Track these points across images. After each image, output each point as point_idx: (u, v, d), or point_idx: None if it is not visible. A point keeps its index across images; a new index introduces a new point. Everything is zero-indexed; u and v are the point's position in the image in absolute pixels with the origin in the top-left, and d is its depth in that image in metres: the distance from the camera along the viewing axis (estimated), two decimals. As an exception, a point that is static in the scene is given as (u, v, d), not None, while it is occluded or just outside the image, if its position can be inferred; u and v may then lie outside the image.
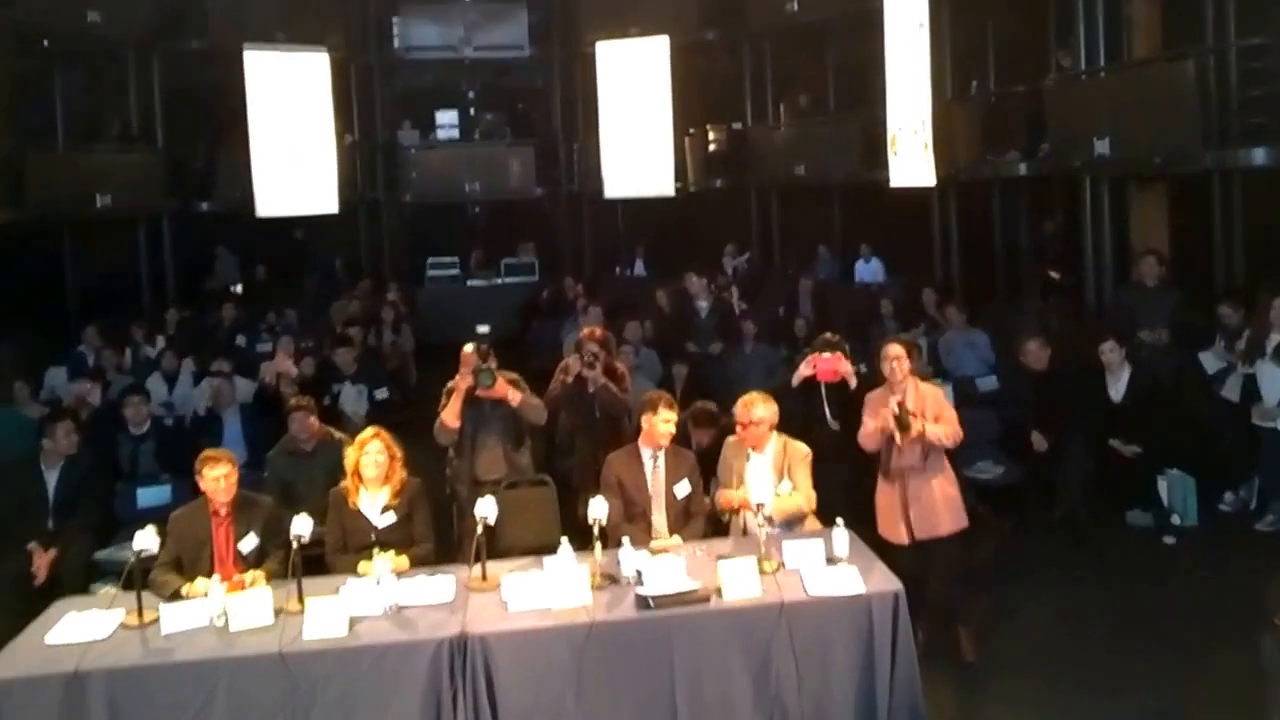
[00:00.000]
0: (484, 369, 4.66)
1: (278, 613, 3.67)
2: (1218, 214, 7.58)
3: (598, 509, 3.96)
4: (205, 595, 3.74)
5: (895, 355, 4.42)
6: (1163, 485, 5.84)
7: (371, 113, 13.78)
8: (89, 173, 10.69)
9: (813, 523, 4.45)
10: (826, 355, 4.95)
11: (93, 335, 8.50)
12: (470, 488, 4.74)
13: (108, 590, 4.53)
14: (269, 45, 11.96)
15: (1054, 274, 9.46)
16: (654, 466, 4.55)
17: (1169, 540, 5.67)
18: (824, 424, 4.97)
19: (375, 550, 4.04)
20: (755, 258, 12.87)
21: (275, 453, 5.30)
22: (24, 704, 3.35)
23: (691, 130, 12.90)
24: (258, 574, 4.00)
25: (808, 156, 11.79)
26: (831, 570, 3.90)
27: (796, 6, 11.64)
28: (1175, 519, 5.80)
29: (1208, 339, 6.36)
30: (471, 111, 14.40)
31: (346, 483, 4.32)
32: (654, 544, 4.29)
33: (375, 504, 4.30)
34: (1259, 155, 6.35)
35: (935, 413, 4.38)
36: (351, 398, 6.88)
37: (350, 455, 4.33)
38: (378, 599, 3.69)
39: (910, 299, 8.84)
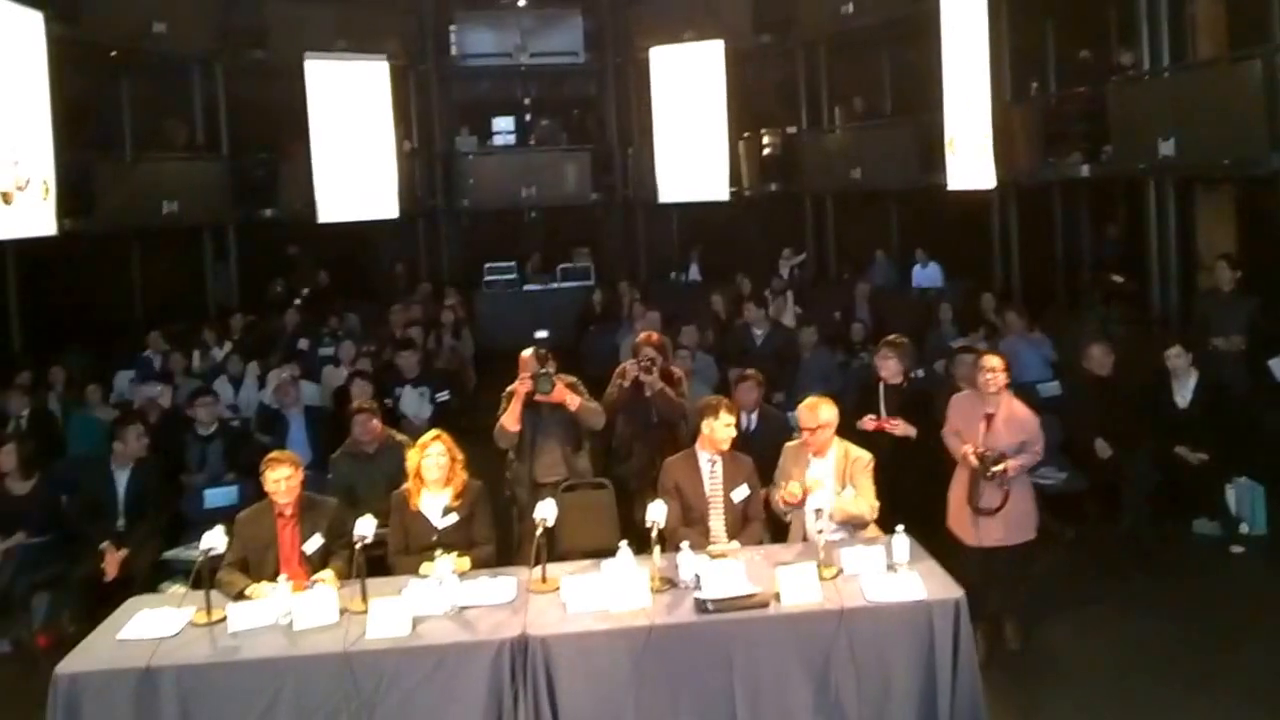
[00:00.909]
0: (543, 374, 4.69)
1: (342, 612, 3.73)
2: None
3: (656, 512, 3.96)
4: (266, 596, 3.83)
5: (993, 367, 4.43)
6: (1231, 493, 5.68)
7: (430, 120, 14.00)
8: (156, 182, 11.03)
9: (873, 531, 4.40)
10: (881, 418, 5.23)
11: (157, 340, 8.75)
12: (530, 490, 4.78)
13: (177, 589, 4.66)
14: (329, 54, 12.25)
15: (1117, 279, 9.24)
16: (711, 471, 4.53)
17: (1237, 549, 5.53)
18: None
19: (437, 551, 4.09)
20: (810, 263, 12.77)
21: (339, 455, 5.39)
22: (99, 697, 3.44)
23: (746, 134, 12.87)
24: (329, 574, 4.06)
25: (864, 160, 11.68)
26: (892, 576, 3.86)
27: (851, 9, 11.55)
28: (1244, 528, 5.64)
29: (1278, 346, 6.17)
30: (527, 118, 14.56)
31: (408, 484, 4.38)
32: (712, 548, 4.28)
33: (437, 506, 4.34)
34: (1329, 156, 6.15)
35: (1024, 438, 4.37)
36: (412, 401, 6.98)
37: (412, 457, 4.39)
38: (440, 600, 3.73)
39: (969, 304, 8.69)
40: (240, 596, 3.94)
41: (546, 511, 3.97)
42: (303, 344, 9.38)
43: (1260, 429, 5.91)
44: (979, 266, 10.33)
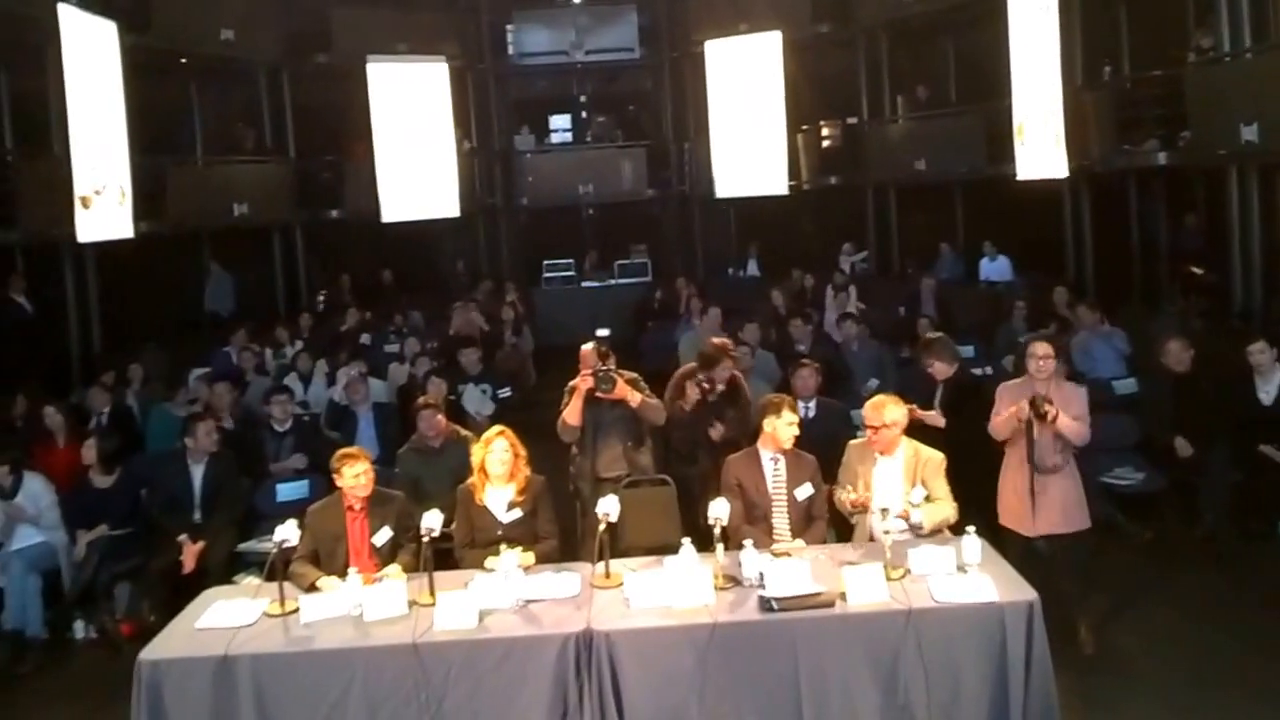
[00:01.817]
0: (603, 371, 4.69)
1: (410, 605, 3.79)
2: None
3: (719, 509, 3.93)
4: (336, 589, 3.91)
5: (1043, 354, 4.42)
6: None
7: (488, 119, 14.14)
8: (226, 185, 11.37)
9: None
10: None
11: (241, 337, 9.00)
12: (592, 485, 4.79)
13: (251, 580, 4.78)
14: (390, 57, 12.44)
15: (1196, 271, 8.91)
16: (774, 469, 4.49)
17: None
18: None
19: (501, 546, 4.13)
20: (873, 256, 12.57)
21: (405, 450, 5.48)
22: (180, 683, 3.55)
23: (805, 127, 12.71)
24: (395, 568, 4.13)
25: (928, 151, 11.45)
26: (961, 577, 3.77)
27: (913, -6, 11.34)
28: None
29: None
30: (583, 115, 14.60)
31: (473, 479, 4.43)
32: (776, 547, 4.24)
33: (501, 501, 4.39)
34: None
35: (1074, 412, 4.36)
36: (475, 398, 7.06)
37: (477, 453, 4.43)
38: (505, 593, 3.77)
39: (1040, 298, 8.46)
40: (312, 588, 4.03)
41: (609, 507, 3.97)
42: (364, 339, 9.56)
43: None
44: (1050, 259, 10.05)
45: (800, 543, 4.32)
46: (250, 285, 12.06)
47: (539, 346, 10.40)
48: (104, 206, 8.84)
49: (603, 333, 4.91)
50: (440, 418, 5.46)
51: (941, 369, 5.34)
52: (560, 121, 14.37)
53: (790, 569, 3.75)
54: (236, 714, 3.52)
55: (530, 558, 4.17)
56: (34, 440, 6.32)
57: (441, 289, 12.63)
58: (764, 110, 12.49)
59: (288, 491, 5.75)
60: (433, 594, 3.79)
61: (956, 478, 4.43)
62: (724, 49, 12.91)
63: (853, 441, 4.60)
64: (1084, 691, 4.10)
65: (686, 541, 3.93)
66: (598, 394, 4.72)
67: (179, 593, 4.64)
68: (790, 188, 12.47)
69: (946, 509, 4.27)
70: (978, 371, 6.66)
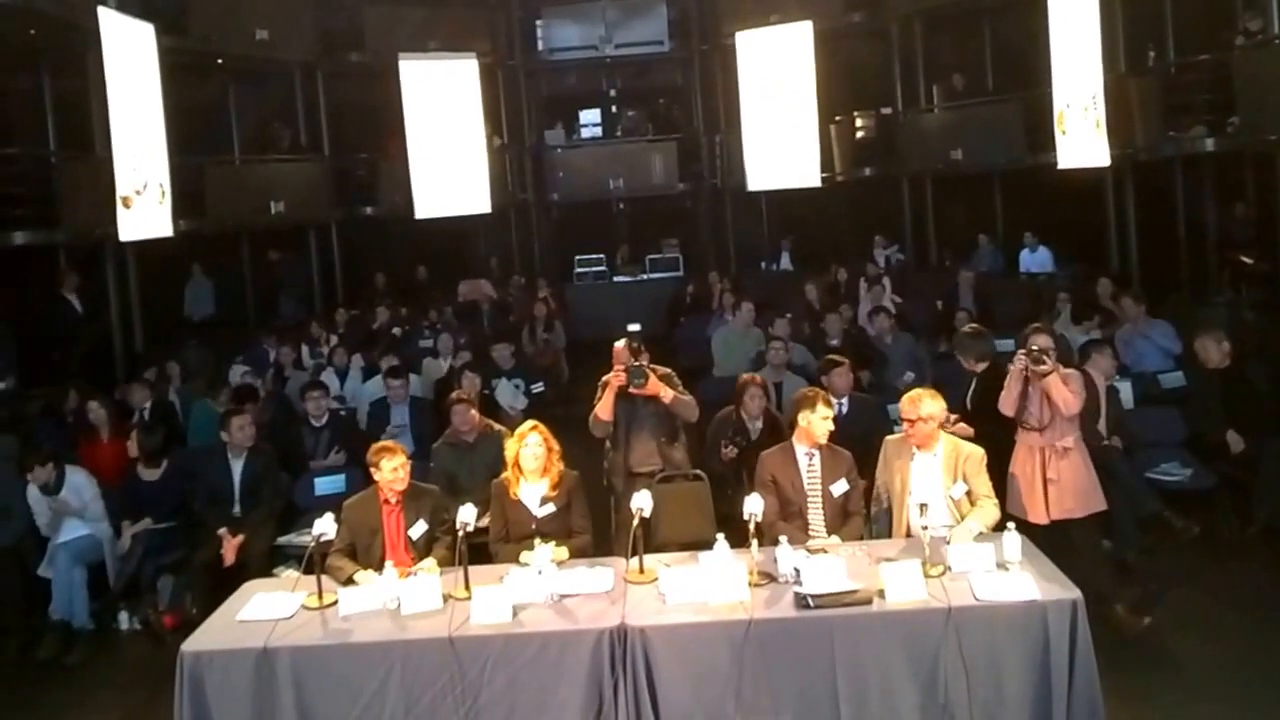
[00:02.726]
0: (636, 367, 4.68)
1: (446, 599, 3.81)
2: None
3: (753, 505, 3.90)
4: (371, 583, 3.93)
5: (1043, 346, 4.41)
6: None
7: (519, 115, 14.17)
8: (263, 183, 11.53)
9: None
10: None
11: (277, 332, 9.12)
12: (625, 479, 4.78)
13: (290, 573, 4.83)
14: (422, 55, 12.51)
15: (1246, 260, 8.67)
16: (809, 464, 4.44)
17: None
18: None
19: (536, 540, 4.13)
20: (909, 249, 12.41)
21: (440, 444, 5.51)
22: (221, 673, 3.60)
23: (838, 118, 12.55)
24: (430, 562, 4.15)
25: (965, 140, 11.28)
26: (1003, 575, 3.70)
27: (948, -18, 11.16)
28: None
29: None
30: (614, 109, 14.57)
31: (507, 474, 4.44)
32: (811, 543, 4.20)
33: (535, 495, 4.39)
34: None
35: (1071, 388, 4.38)
36: (508, 392, 7.08)
37: (510, 447, 4.44)
38: (540, 588, 3.77)
39: (1083, 290, 8.28)
40: (349, 581, 4.06)
41: (642, 502, 3.96)
42: (395, 331, 9.64)
43: None
44: (1093, 250, 9.84)
45: (836, 539, 4.27)
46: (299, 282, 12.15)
47: (571, 342, 10.42)
48: (144, 206, 8.99)
49: (634, 328, 4.90)
50: (474, 412, 5.48)
51: (971, 364, 5.29)
52: (590, 116, 14.34)
53: (826, 566, 3.71)
54: (277, 705, 3.56)
55: (564, 552, 4.18)
56: (80, 434, 6.45)
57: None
58: (796, 101, 12.35)
59: (326, 485, 5.81)
60: (468, 588, 3.80)
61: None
62: (755, 40, 12.80)
63: (889, 437, 4.53)
64: (1130, 691, 4.00)
65: (720, 537, 3.90)
66: (630, 389, 4.70)
67: (221, 585, 4.71)
68: (823, 180, 12.31)
69: (994, 510, 4.20)
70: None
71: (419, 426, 6.42)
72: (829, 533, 4.35)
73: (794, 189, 12.47)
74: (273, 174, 11.81)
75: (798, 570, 3.71)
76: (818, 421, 4.38)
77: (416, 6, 13.07)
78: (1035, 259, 10.49)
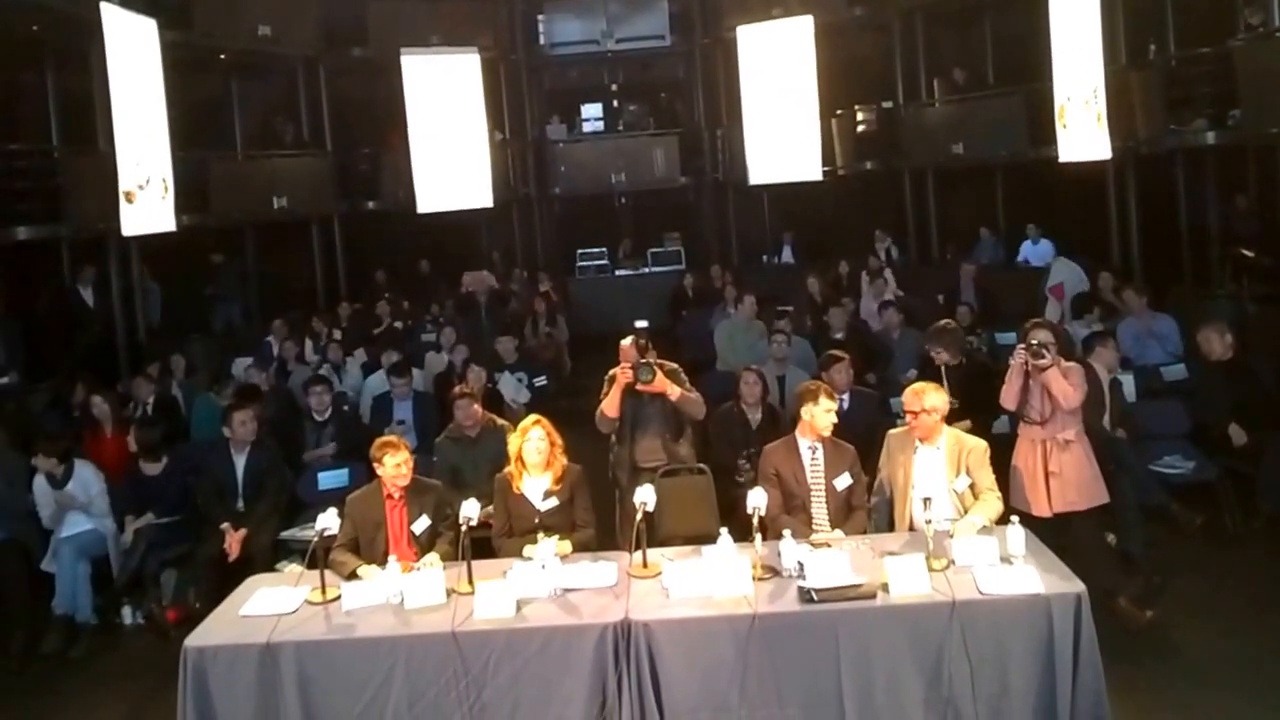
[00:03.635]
0: (643, 363, 4.67)
1: (449, 593, 3.81)
2: None
3: (757, 499, 3.90)
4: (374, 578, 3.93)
5: (1043, 340, 4.44)
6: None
7: (520, 109, 14.16)
8: (266, 178, 11.52)
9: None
10: None
11: (280, 328, 9.10)
12: (630, 474, 4.78)
13: (294, 568, 4.82)
14: (424, 49, 12.48)
15: (1248, 254, 8.65)
16: (813, 458, 4.44)
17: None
18: None
19: (539, 534, 4.13)
20: (911, 242, 12.40)
21: (442, 439, 5.52)
22: (225, 668, 3.60)
23: (839, 112, 12.53)
24: (433, 557, 4.15)
25: (966, 134, 11.27)
26: (1006, 569, 3.70)
27: (949, -25, 11.13)
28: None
29: None
30: (615, 103, 14.56)
31: (510, 468, 4.44)
32: (815, 537, 4.19)
33: (538, 489, 4.39)
34: None
35: (1071, 380, 4.41)
36: (511, 386, 7.08)
37: (513, 442, 4.44)
38: (543, 583, 3.77)
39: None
40: (352, 576, 4.05)
41: (646, 496, 3.96)
42: (397, 324, 9.63)
43: None
44: (1094, 243, 9.82)
45: (839, 533, 4.27)
46: (290, 276, 12.12)
47: (573, 335, 10.42)
48: (148, 200, 8.99)
49: (641, 325, 4.89)
50: (476, 407, 5.49)
51: (945, 357, 5.45)
52: (592, 110, 14.32)
53: (830, 560, 3.71)
54: (280, 700, 3.57)
55: (567, 546, 4.18)
56: (85, 429, 6.46)
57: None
58: (797, 95, 12.33)
59: (329, 480, 5.81)
60: (471, 583, 3.80)
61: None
62: (756, 34, 12.77)
63: (892, 430, 4.53)
64: (1135, 685, 4.00)
65: (724, 531, 3.90)
66: (637, 386, 4.70)
67: (224, 580, 4.72)
68: (825, 173, 12.31)
69: (998, 503, 4.20)
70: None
71: (422, 421, 6.42)
72: (832, 526, 4.35)
73: (795, 183, 12.46)
74: (275, 169, 11.80)
75: (801, 564, 3.72)
76: (820, 414, 4.37)
77: (419, 1, 13.06)
78: (1037, 251, 10.46)
